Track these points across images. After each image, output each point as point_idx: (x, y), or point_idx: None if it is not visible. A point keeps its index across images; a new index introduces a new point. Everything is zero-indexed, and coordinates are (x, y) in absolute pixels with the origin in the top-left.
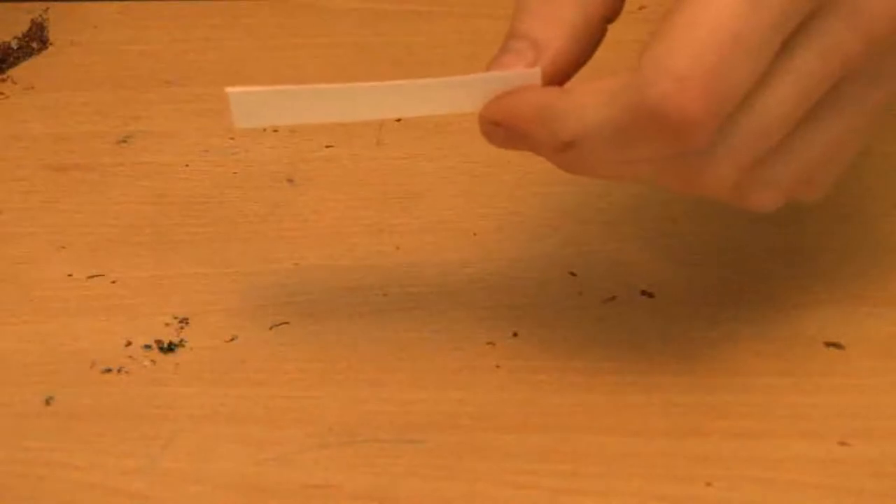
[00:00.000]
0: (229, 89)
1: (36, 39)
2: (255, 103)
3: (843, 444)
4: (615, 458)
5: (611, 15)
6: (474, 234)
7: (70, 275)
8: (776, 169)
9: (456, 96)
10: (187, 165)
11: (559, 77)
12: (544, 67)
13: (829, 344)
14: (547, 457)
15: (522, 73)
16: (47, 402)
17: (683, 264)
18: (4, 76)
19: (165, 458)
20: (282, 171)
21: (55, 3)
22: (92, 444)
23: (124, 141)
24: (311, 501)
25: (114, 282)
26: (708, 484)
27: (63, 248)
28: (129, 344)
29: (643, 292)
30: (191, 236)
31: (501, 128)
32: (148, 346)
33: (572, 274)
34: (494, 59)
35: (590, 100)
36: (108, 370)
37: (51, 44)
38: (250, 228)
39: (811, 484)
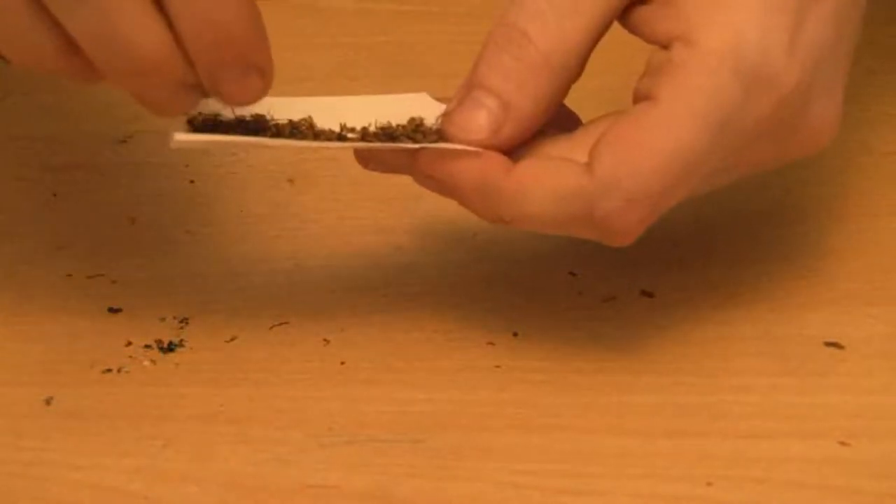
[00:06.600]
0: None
1: None
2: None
3: (843, 444)
4: (615, 458)
5: (575, 81)
6: (474, 234)
7: (70, 275)
8: None
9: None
10: (187, 165)
11: (517, 142)
12: (510, 130)
13: (829, 344)
14: (547, 457)
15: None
16: (47, 402)
17: (683, 264)
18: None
19: (165, 458)
20: (282, 171)
21: None
22: (92, 444)
23: (124, 141)
24: (311, 501)
25: (114, 282)
26: (708, 484)
27: (63, 248)
28: (129, 344)
29: (643, 292)
30: (191, 236)
31: (435, 183)
32: (148, 346)
33: (572, 274)
34: (457, 108)
35: (534, 191)
36: (108, 370)
37: None
38: (250, 228)
39: (811, 484)
